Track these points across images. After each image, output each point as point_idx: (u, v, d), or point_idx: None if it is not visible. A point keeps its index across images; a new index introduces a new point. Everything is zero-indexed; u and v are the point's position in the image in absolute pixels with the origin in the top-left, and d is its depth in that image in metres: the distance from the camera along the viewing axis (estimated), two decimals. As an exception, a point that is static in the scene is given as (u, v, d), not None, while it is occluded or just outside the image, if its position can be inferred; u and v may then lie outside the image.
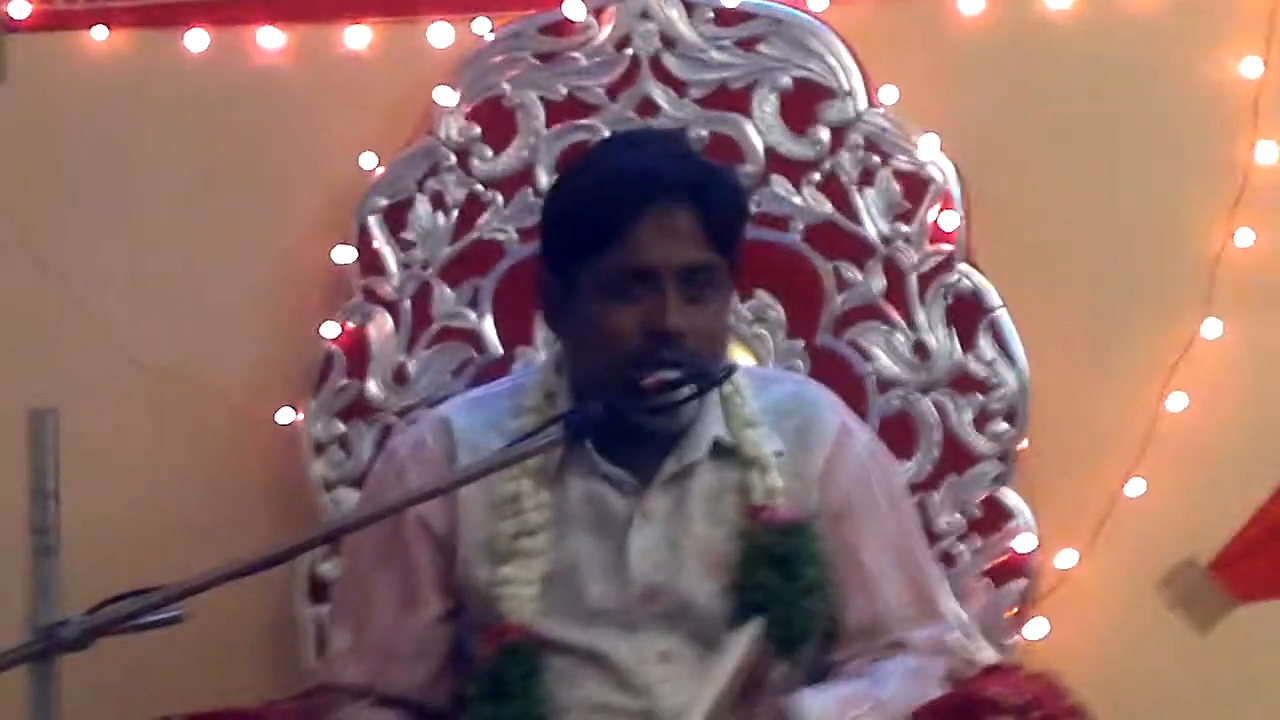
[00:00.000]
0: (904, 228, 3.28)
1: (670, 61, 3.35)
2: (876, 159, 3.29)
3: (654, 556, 2.75)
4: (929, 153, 3.29)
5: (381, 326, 3.37)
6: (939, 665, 2.79)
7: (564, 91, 3.36)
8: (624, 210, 2.68)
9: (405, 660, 2.81)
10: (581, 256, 2.71)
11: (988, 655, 2.98)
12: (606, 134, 3.28)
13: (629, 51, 3.36)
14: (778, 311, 3.29)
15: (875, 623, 2.79)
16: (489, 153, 3.37)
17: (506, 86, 3.37)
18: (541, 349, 3.26)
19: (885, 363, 3.27)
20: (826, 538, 2.75)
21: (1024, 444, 3.25)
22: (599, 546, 2.75)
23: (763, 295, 3.29)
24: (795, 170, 3.31)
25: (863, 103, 3.31)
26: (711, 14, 3.34)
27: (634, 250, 2.68)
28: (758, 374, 2.91)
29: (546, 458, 2.73)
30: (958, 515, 3.24)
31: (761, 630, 2.67)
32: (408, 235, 3.37)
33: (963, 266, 3.27)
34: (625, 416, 2.61)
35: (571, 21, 3.37)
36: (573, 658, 2.73)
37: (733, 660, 2.65)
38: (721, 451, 2.77)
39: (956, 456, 3.25)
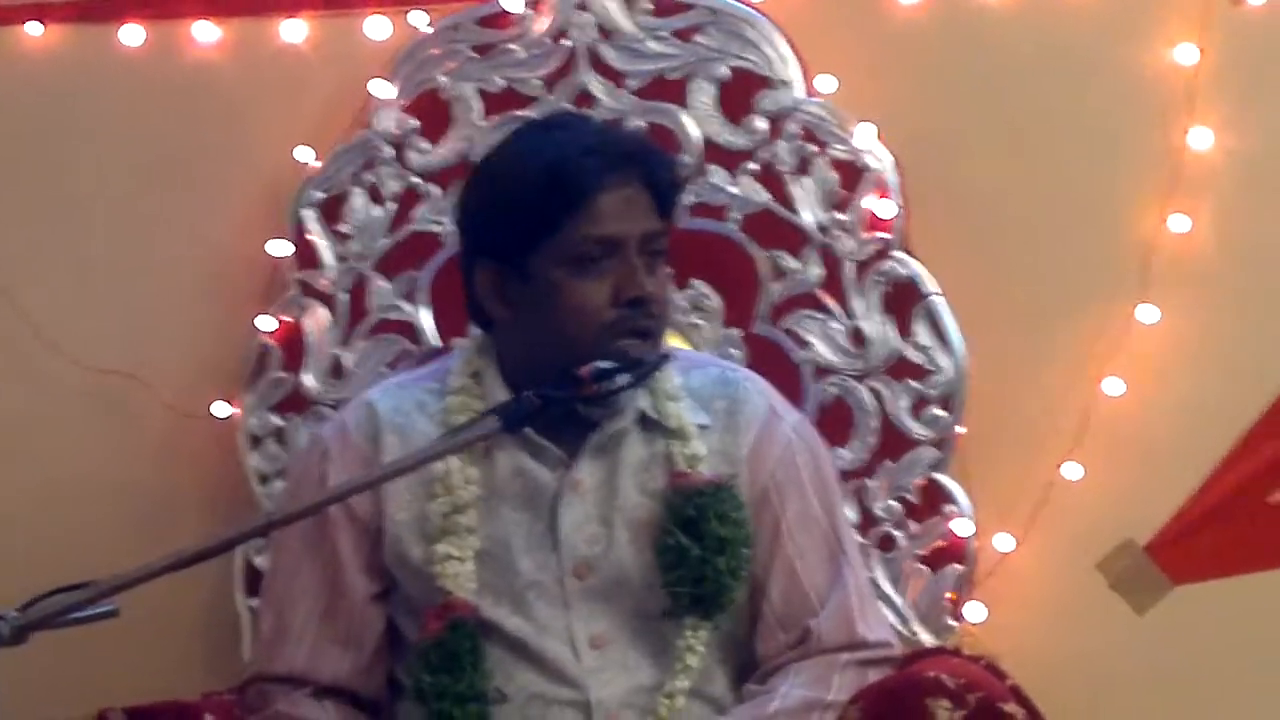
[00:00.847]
0: (841, 216, 3.29)
1: (607, 52, 3.35)
2: (813, 148, 3.30)
3: (586, 530, 2.76)
4: (866, 141, 3.29)
5: (317, 319, 3.36)
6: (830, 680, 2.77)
7: (501, 83, 3.36)
8: (585, 185, 2.70)
9: (336, 647, 2.81)
10: (537, 239, 2.72)
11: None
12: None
13: (566, 43, 3.35)
14: (714, 300, 3.30)
15: (795, 605, 2.79)
16: (425, 145, 3.36)
17: (444, 79, 3.37)
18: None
19: (822, 350, 3.28)
20: (753, 515, 2.77)
21: (961, 429, 3.26)
22: (529, 521, 2.76)
23: (699, 284, 3.29)
24: (732, 160, 3.31)
25: (800, 92, 3.31)
26: (648, 4, 3.34)
27: (598, 222, 2.71)
28: (685, 357, 2.92)
29: (475, 436, 2.73)
30: (895, 501, 3.25)
31: None
32: (344, 228, 3.37)
33: (899, 254, 3.27)
34: (560, 406, 2.63)
35: (508, 13, 3.37)
36: (506, 646, 2.73)
37: None
38: (650, 425, 2.79)
39: (893, 442, 3.26)
